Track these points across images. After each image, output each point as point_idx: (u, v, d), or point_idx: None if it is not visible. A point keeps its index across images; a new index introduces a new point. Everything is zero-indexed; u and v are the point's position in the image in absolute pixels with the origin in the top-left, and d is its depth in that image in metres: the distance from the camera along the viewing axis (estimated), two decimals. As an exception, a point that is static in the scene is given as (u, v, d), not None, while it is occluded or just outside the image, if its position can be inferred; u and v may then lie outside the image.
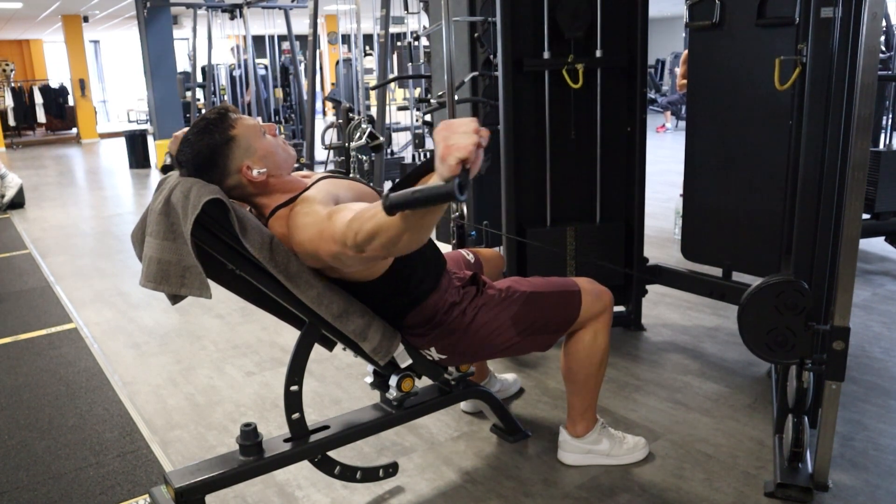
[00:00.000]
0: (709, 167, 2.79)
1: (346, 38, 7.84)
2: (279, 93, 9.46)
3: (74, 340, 3.25)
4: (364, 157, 5.50)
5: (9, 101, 14.44)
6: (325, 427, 1.83)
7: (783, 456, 1.93)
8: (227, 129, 1.62)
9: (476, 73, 3.48)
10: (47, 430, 2.39)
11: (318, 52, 7.29)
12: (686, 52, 5.05)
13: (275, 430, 2.32)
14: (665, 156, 8.05)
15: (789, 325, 1.72)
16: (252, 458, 1.70)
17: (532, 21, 2.69)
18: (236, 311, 3.53)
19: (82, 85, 13.59)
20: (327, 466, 1.86)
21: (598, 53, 2.70)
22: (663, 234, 4.64)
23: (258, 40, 9.76)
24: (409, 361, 1.82)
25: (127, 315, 3.60)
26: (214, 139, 1.60)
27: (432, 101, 3.79)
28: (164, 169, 1.89)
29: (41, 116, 14.77)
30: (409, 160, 7.11)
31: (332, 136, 6.25)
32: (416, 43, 6.35)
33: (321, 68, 14.57)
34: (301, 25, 10.67)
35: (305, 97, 8.10)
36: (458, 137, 1.09)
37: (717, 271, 2.84)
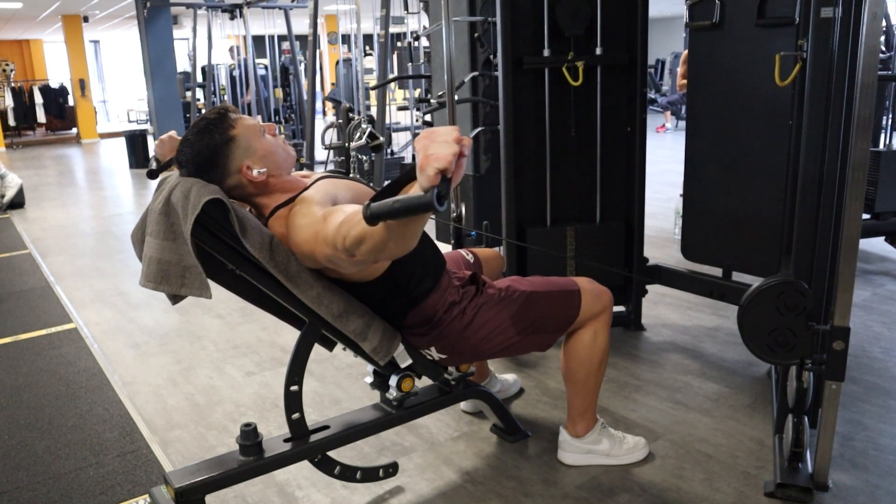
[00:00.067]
0: (709, 167, 2.79)
1: (346, 38, 7.84)
2: (279, 93, 9.45)
3: (74, 340, 3.25)
4: (364, 157, 5.52)
5: (9, 101, 14.43)
6: (325, 427, 1.83)
7: (783, 456, 1.93)
8: (227, 129, 1.62)
9: (476, 73, 3.48)
10: (47, 430, 2.39)
11: (318, 52, 7.29)
12: (686, 52, 5.05)
13: (275, 430, 2.32)
14: (665, 156, 8.05)
15: (790, 326, 1.72)
16: (252, 458, 1.70)
17: (532, 20, 2.69)
18: (236, 311, 3.53)
19: (82, 85, 13.59)
20: (327, 466, 1.86)
21: (598, 51, 2.70)
22: (663, 234, 4.64)
23: (258, 40, 9.75)
24: (409, 361, 1.82)
25: (127, 315, 3.60)
26: (214, 139, 1.60)
27: (432, 101, 3.79)
28: (150, 173, 1.88)
29: (41, 116, 14.77)
30: (409, 160, 7.11)
31: (332, 136, 6.26)
32: (416, 43, 6.35)
33: (321, 68, 14.57)
34: (301, 25, 10.67)
35: (305, 97, 8.10)
36: (438, 147, 1.07)
37: (717, 271, 2.84)
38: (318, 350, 1.81)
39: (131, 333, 3.34)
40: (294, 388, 1.74)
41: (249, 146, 1.63)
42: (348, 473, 1.90)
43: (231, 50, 9.71)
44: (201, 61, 9.58)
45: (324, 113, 15.88)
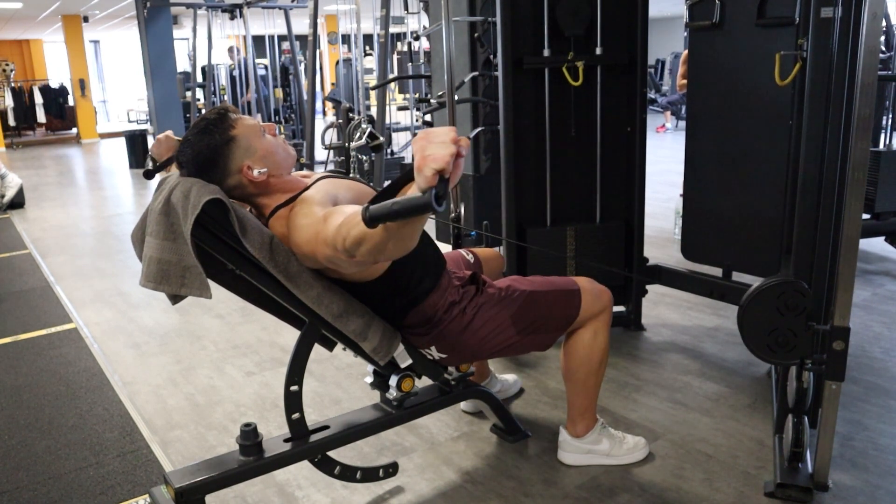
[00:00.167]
0: (709, 167, 2.79)
1: (346, 38, 7.84)
2: (279, 93, 9.45)
3: (74, 340, 3.25)
4: (364, 157, 5.51)
5: (9, 101, 14.42)
6: (325, 427, 1.83)
7: (783, 456, 1.93)
8: (228, 129, 1.62)
9: (476, 73, 3.48)
10: (47, 430, 2.39)
11: (318, 52, 7.29)
12: (686, 52, 5.05)
13: (275, 430, 2.32)
14: (665, 156, 8.05)
15: (790, 326, 1.72)
16: (252, 458, 1.70)
17: (532, 20, 2.69)
18: (236, 311, 3.53)
19: (82, 85, 13.59)
20: (327, 466, 1.86)
21: (599, 51, 2.70)
22: (663, 234, 4.64)
23: (258, 40, 9.75)
24: (409, 361, 1.82)
25: (127, 315, 3.60)
26: (215, 139, 1.60)
27: (432, 101, 3.79)
28: (146, 174, 1.88)
29: (41, 116, 14.76)
30: (409, 160, 7.11)
31: (332, 136, 6.26)
32: (417, 43, 6.35)
33: (321, 68, 14.57)
34: (301, 25, 10.67)
35: (305, 97, 8.10)
36: (435, 148, 1.06)
37: (717, 271, 2.84)
38: (318, 350, 1.81)
39: (131, 333, 3.34)
40: (294, 388, 1.74)
41: (250, 146, 1.63)
42: (348, 473, 1.90)
43: (230, 50, 9.70)
44: (201, 61, 9.59)
45: (324, 113, 15.87)
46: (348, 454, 2.12)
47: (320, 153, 7.49)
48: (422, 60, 6.78)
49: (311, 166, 7.34)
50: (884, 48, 3.89)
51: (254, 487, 2.00)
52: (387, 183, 1.22)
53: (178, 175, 1.64)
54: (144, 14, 9.26)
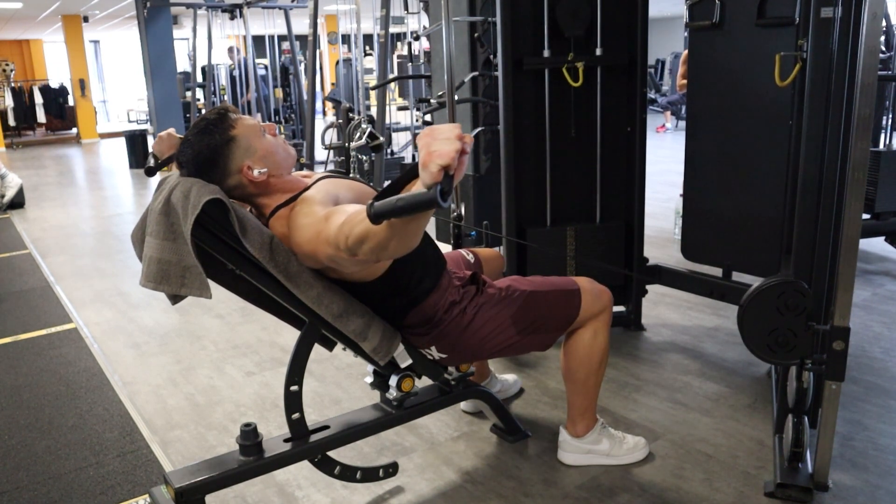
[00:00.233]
0: (709, 167, 2.79)
1: (346, 38, 7.83)
2: (279, 93, 9.46)
3: (74, 340, 3.25)
4: (364, 157, 5.51)
5: (9, 101, 14.42)
6: (325, 427, 1.83)
7: (783, 456, 1.93)
8: (228, 129, 1.62)
9: (476, 73, 3.48)
10: (47, 430, 2.39)
11: (318, 52, 7.28)
12: (686, 52, 5.05)
13: (275, 430, 2.32)
14: (665, 156, 8.05)
15: (790, 326, 1.72)
16: (252, 458, 1.70)
17: (532, 21, 2.69)
18: (236, 311, 3.53)
19: (82, 85, 13.58)
20: (327, 466, 1.86)
21: (599, 52, 2.70)
22: (663, 234, 4.64)
23: (258, 40, 9.75)
24: (409, 361, 1.82)
25: (127, 315, 3.60)
26: (215, 139, 1.60)
27: (432, 101, 3.79)
28: (148, 171, 1.88)
29: (41, 116, 14.75)
30: (409, 160, 7.11)
31: (332, 136, 6.26)
32: (417, 43, 6.35)
33: (321, 68, 14.57)
34: (301, 25, 10.67)
35: (305, 97, 8.10)
36: (440, 144, 1.07)
37: (717, 271, 2.84)
38: (318, 350, 1.81)
39: (131, 333, 3.34)
40: (294, 388, 1.74)
41: (250, 146, 1.63)
42: (348, 473, 1.90)
43: (230, 50, 9.70)
44: (201, 61, 9.59)
45: (324, 113, 15.87)
46: (348, 454, 2.12)
47: (320, 153, 7.49)
48: (422, 61, 6.78)
49: (311, 166, 7.34)
50: (884, 48, 3.89)
51: (254, 487, 2.00)
52: (387, 183, 1.22)
53: (178, 175, 1.64)
54: (144, 14, 9.26)
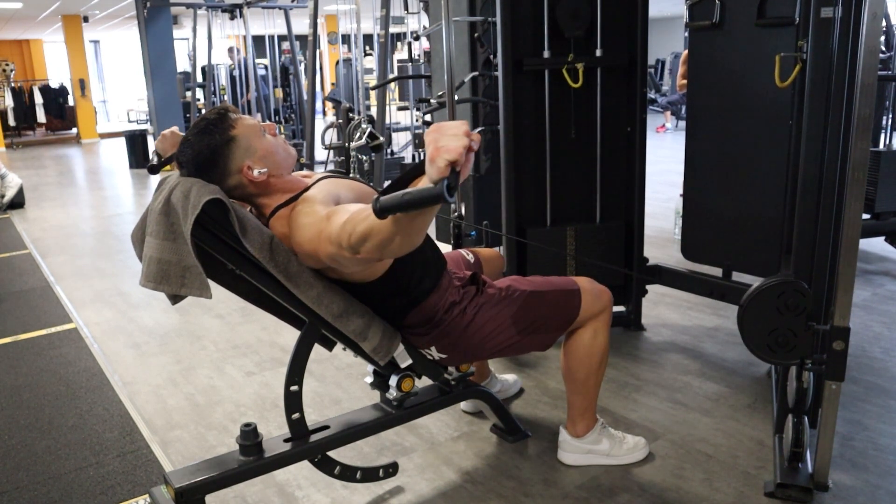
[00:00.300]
0: (709, 167, 2.79)
1: (346, 38, 7.84)
2: (279, 93, 9.46)
3: (74, 340, 3.25)
4: (364, 157, 5.51)
5: (9, 101, 14.42)
6: (325, 427, 1.83)
7: (783, 456, 1.93)
8: (228, 129, 1.62)
9: (476, 73, 3.48)
10: (47, 430, 2.39)
11: (318, 52, 7.28)
12: (686, 52, 5.05)
13: (275, 430, 2.32)
14: (665, 156, 8.05)
15: (790, 326, 1.72)
16: (252, 458, 1.70)
17: (532, 21, 2.69)
18: (236, 311, 3.53)
19: (82, 85, 13.58)
20: (327, 466, 1.86)
21: (599, 53, 2.70)
22: (663, 234, 4.64)
23: (258, 40, 9.75)
24: (409, 361, 1.82)
25: (127, 315, 3.60)
26: (215, 139, 1.60)
27: (432, 101, 3.79)
28: (151, 168, 1.88)
29: (41, 116, 14.76)
30: (409, 160, 7.11)
31: (332, 136, 6.26)
32: (417, 43, 6.35)
33: (321, 68, 14.57)
34: (301, 25, 10.67)
35: (305, 97, 8.10)
36: (448, 139, 1.08)
37: (717, 271, 2.84)
38: (318, 350, 1.81)
39: (131, 333, 3.34)
40: (294, 388, 1.74)
41: (250, 146, 1.63)
42: (348, 473, 1.90)
43: (230, 50, 9.70)
44: (201, 61, 9.59)
45: (324, 113, 15.88)
46: (348, 454, 2.12)
47: (320, 153, 7.49)
48: (421, 61, 6.78)
49: (311, 166, 7.34)
50: (884, 48, 3.89)
51: (254, 487, 2.00)
52: (387, 183, 1.23)
53: (178, 175, 1.64)
54: (144, 14, 9.26)
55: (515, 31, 2.64)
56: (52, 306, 3.77)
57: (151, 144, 9.80)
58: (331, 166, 4.91)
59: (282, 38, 10.25)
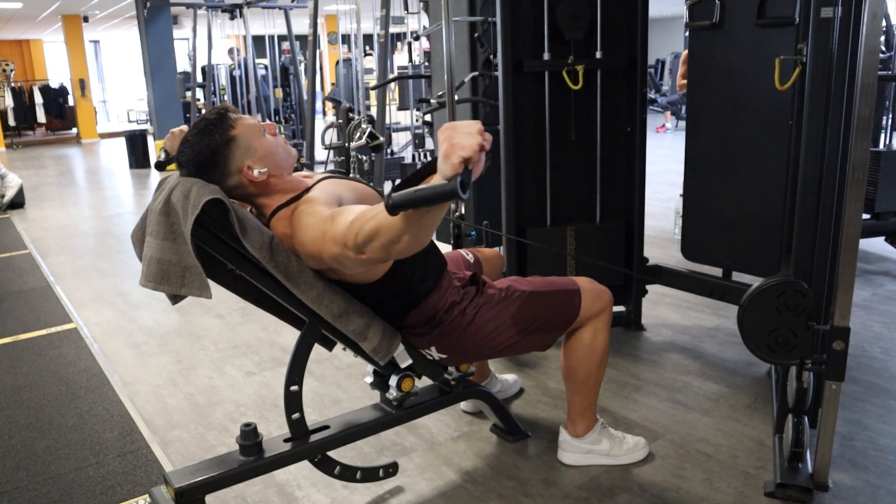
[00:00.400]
0: (709, 167, 2.79)
1: (346, 38, 7.84)
2: (279, 93, 9.46)
3: (74, 340, 3.25)
4: (364, 157, 5.51)
5: (9, 101, 14.43)
6: (325, 427, 1.83)
7: (783, 456, 1.93)
8: (228, 129, 1.62)
9: (476, 73, 3.48)
10: (47, 430, 2.39)
11: (318, 52, 7.28)
12: (686, 52, 5.05)
13: (275, 430, 2.32)
14: (665, 156, 8.05)
15: (790, 326, 1.72)
16: (252, 458, 1.70)
17: (532, 21, 2.69)
18: (236, 311, 3.53)
19: (82, 85, 13.59)
20: (327, 466, 1.86)
21: (598, 55, 2.70)
22: (663, 234, 4.64)
23: (258, 40, 9.75)
24: (409, 361, 1.82)
25: (127, 315, 3.60)
26: (215, 140, 1.60)
27: (432, 101, 3.79)
28: (158, 165, 1.89)
29: (41, 116, 14.76)
30: (409, 160, 7.10)
31: (332, 136, 6.25)
32: (417, 43, 6.35)
33: (321, 68, 14.57)
34: (301, 25, 10.67)
35: (305, 97, 8.10)
36: (462, 137, 1.11)
37: (717, 271, 2.84)
38: (318, 350, 1.81)
39: (131, 333, 3.34)
40: (294, 388, 1.74)
41: (250, 146, 1.63)
42: (348, 473, 1.91)
43: (230, 51, 9.70)
44: (201, 61, 9.59)
45: (324, 113, 15.88)
46: (348, 454, 2.12)
47: (320, 153, 7.49)
48: (421, 61, 6.78)
49: (311, 166, 7.34)
50: (884, 48, 3.89)
51: (254, 487, 2.00)
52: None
53: (178, 175, 1.64)
54: (144, 14, 9.27)
55: (515, 31, 2.64)
56: (52, 306, 3.77)
57: (151, 144, 9.83)
58: (331, 166, 4.91)
59: (282, 38, 10.25)
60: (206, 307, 3.56)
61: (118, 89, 19.02)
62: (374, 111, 6.60)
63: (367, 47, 8.25)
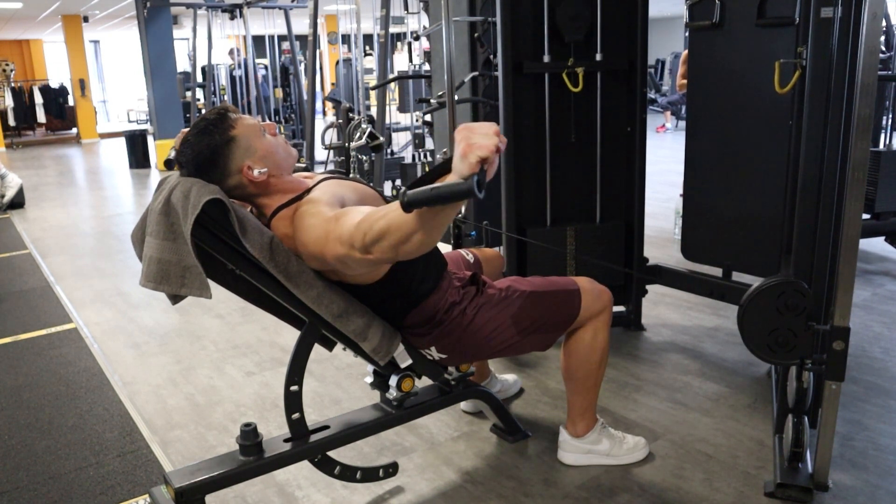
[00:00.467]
0: (709, 167, 2.79)
1: (346, 38, 7.84)
2: (279, 93, 9.46)
3: (74, 340, 3.25)
4: (364, 157, 5.51)
5: (9, 101, 14.43)
6: (325, 427, 1.83)
7: (783, 456, 1.93)
8: (228, 129, 1.62)
9: (476, 74, 3.48)
10: (47, 430, 2.39)
11: (318, 52, 7.28)
12: (686, 52, 5.05)
13: (275, 430, 2.32)
14: (665, 156, 8.06)
15: (790, 326, 1.72)
16: (252, 458, 1.71)
17: (532, 22, 2.69)
18: (236, 311, 3.53)
19: (82, 85, 13.59)
20: (327, 466, 1.86)
21: (598, 57, 2.70)
22: (663, 234, 4.64)
23: (258, 40, 9.76)
24: (409, 361, 1.83)
25: (127, 315, 3.60)
26: (215, 140, 1.60)
27: (432, 101, 3.79)
28: (167, 163, 1.89)
29: (41, 116, 14.76)
30: (409, 160, 7.10)
31: (332, 136, 6.25)
32: (417, 43, 6.35)
33: (321, 68, 14.57)
34: (301, 25, 10.67)
35: (305, 97, 8.10)
36: (480, 137, 1.14)
37: (717, 271, 2.84)
38: (318, 350, 1.81)
39: (131, 333, 3.34)
40: (294, 388, 1.74)
41: (250, 146, 1.63)
42: (348, 473, 1.91)
43: (231, 52, 9.71)
44: (201, 61, 9.59)
45: (324, 113, 15.88)
46: (348, 454, 2.12)
47: (320, 153, 7.49)
48: (421, 62, 6.77)
49: (310, 167, 7.34)
50: (884, 48, 3.89)
51: (254, 487, 2.00)
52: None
53: (178, 175, 1.64)
54: (144, 14, 9.26)
55: (515, 32, 2.64)
56: (52, 306, 3.77)
57: (151, 145, 9.83)
58: (331, 166, 4.92)
59: (282, 38, 10.26)
60: (206, 307, 3.56)
61: (118, 89, 19.02)
62: (374, 111, 6.60)
63: (367, 47, 8.25)
